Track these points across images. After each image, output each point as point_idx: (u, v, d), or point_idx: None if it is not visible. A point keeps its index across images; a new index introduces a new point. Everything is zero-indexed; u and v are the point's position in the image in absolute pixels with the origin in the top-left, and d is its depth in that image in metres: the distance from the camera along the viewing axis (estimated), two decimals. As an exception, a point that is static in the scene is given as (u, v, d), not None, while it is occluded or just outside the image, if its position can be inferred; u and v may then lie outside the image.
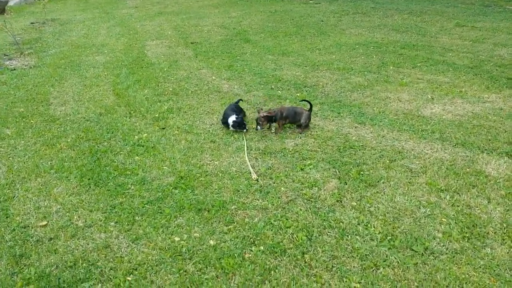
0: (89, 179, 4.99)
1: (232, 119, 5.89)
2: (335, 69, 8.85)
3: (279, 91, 7.65)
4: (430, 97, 7.06)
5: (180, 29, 14.14)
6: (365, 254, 3.63)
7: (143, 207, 4.40)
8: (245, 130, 5.93)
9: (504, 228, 3.90)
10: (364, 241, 3.79)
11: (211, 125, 6.37)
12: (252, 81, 8.30)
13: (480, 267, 3.48)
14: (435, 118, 6.23)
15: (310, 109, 5.93)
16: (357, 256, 3.61)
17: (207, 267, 3.57)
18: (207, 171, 5.04)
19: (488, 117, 6.19)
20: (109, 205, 4.47)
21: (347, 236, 3.86)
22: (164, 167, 5.18)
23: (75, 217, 4.29)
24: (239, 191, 4.62)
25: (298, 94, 7.44)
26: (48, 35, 13.90)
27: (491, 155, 5.10)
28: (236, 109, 6.21)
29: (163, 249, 3.79)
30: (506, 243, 3.72)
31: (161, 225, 4.12)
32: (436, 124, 6.02)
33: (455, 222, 3.99)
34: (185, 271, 3.55)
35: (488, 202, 4.27)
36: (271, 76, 8.57)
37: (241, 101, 6.70)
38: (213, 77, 8.69)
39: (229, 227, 4.05)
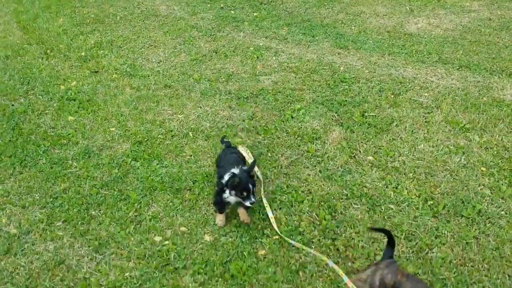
0: (10, 156, 3.61)
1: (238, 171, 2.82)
2: (289, -21, 7.50)
3: (232, 11, 6.28)
4: (409, 8, 6.11)
5: None
6: (410, 232, 2.82)
7: (97, 194, 3.20)
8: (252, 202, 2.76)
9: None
10: (401, 211, 2.98)
11: (158, 63, 5.01)
12: (194, -1, 6.79)
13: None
14: (424, 35, 5.35)
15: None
16: (402, 235, 2.80)
17: (211, 279, 2.58)
18: (172, 130, 3.84)
19: (480, 30, 5.41)
20: (48, 195, 3.20)
21: (379, 206, 3.02)
22: (112, 129, 3.90)
23: (4, 220, 3.01)
24: (222, 155, 3.54)
25: (255, 14, 6.15)
26: None
27: (502, 78, 4.38)
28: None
29: (142, 258, 2.71)
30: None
31: (130, 219, 2.98)
32: (429, 43, 5.14)
33: (498, 171, 3.27)
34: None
35: (523, 139, 3.60)
36: (216, -10, 7.08)
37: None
38: (144, -4, 7.02)
39: (225, 211, 3.02)
